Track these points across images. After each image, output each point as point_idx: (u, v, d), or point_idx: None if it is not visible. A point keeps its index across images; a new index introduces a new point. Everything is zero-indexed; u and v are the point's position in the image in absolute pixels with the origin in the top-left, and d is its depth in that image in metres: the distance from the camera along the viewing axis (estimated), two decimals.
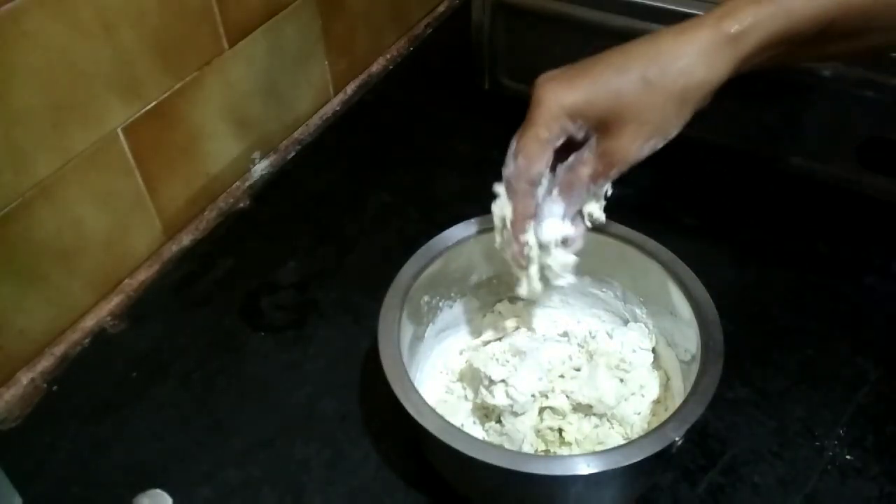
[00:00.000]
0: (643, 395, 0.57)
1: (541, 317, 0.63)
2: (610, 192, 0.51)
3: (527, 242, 0.51)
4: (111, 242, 0.70)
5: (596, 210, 0.52)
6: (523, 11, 0.81)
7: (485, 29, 0.85)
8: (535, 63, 0.85)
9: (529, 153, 0.48)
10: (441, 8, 1.08)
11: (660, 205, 0.76)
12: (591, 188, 0.50)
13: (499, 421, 0.56)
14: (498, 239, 0.54)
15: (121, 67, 0.65)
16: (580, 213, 0.52)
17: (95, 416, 0.62)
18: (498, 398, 0.55)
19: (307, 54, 0.86)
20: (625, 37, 0.80)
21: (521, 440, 0.54)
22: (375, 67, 0.98)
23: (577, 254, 0.53)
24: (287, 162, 0.86)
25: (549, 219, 0.51)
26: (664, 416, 0.57)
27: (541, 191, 0.51)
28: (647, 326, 0.60)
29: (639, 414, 0.57)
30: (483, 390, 0.56)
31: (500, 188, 0.52)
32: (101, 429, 0.62)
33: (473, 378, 0.58)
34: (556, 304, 0.63)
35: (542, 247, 0.52)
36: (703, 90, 0.45)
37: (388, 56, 0.99)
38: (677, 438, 0.46)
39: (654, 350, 0.60)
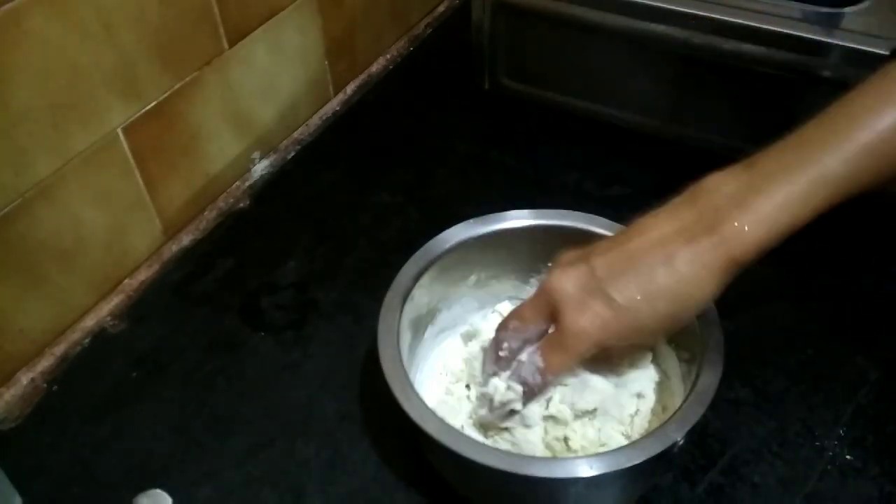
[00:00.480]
0: (642, 395, 0.57)
1: None
2: None
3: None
4: (111, 242, 0.70)
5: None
6: (523, 11, 0.81)
7: (485, 29, 0.85)
8: (535, 63, 0.86)
9: (562, 375, 0.53)
10: (441, 8, 1.08)
11: (660, 205, 0.76)
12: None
13: (505, 431, 0.56)
14: (482, 414, 0.55)
15: (121, 67, 0.65)
16: None
17: (95, 416, 0.62)
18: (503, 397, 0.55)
19: (307, 54, 0.86)
20: (625, 37, 0.80)
21: (532, 452, 0.54)
22: (375, 67, 0.98)
23: None
24: (287, 162, 0.86)
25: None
26: (664, 415, 0.57)
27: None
28: None
29: (638, 412, 0.57)
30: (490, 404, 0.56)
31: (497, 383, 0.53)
32: (101, 429, 0.62)
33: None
34: None
35: None
36: (710, 299, 0.49)
37: (388, 56, 0.99)
38: (679, 439, 0.46)
39: (652, 349, 0.60)
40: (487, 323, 0.63)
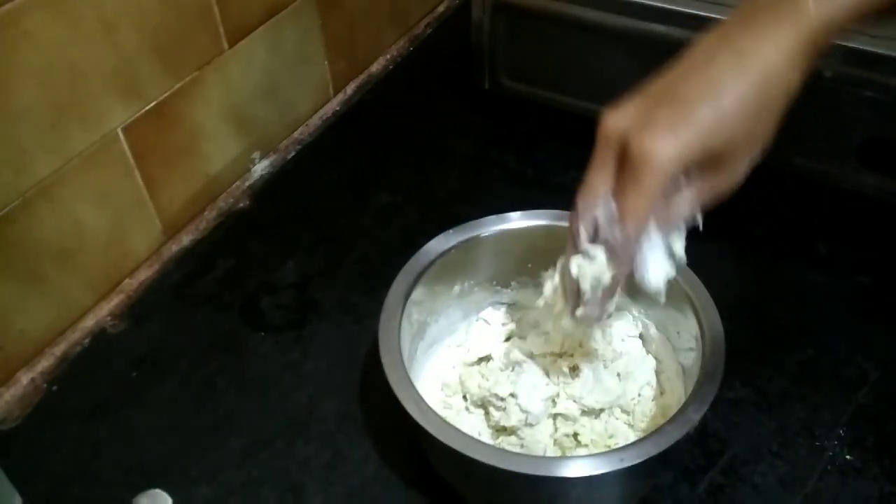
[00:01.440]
0: (637, 381, 0.57)
1: (523, 321, 0.63)
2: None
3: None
4: (111, 242, 0.70)
5: (678, 244, 0.48)
6: (523, 11, 0.81)
7: (485, 29, 0.85)
8: (535, 63, 0.86)
9: (643, 219, 0.43)
10: (441, 8, 1.08)
11: None
12: (688, 221, 0.46)
13: (513, 434, 0.56)
14: (580, 310, 0.49)
15: (121, 67, 0.65)
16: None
17: (95, 416, 0.62)
18: (513, 416, 0.55)
19: (307, 54, 0.86)
20: (625, 37, 0.80)
21: (543, 451, 0.55)
22: (375, 67, 0.98)
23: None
24: (287, 162, 0.86)
25: (653, 263, 0.46)
26: (661, 399, 0.57)
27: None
28: (630, 313, 0.60)
29: (641, 398, 0.57)
30: (495, 412, 0.56)
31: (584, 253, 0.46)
32: (101, 429, 0.62)
33: (480, 398, 0.58)
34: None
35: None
36: (795, 92, 0.42)
37: (388, 56, 0.99)
38: (681, 437, 0.46)
39: (641, 336, 0.60)
40: (474, 330, 0.63)
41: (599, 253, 0.46)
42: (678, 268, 0.48)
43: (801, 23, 0.41)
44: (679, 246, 0.47)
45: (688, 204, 0.44)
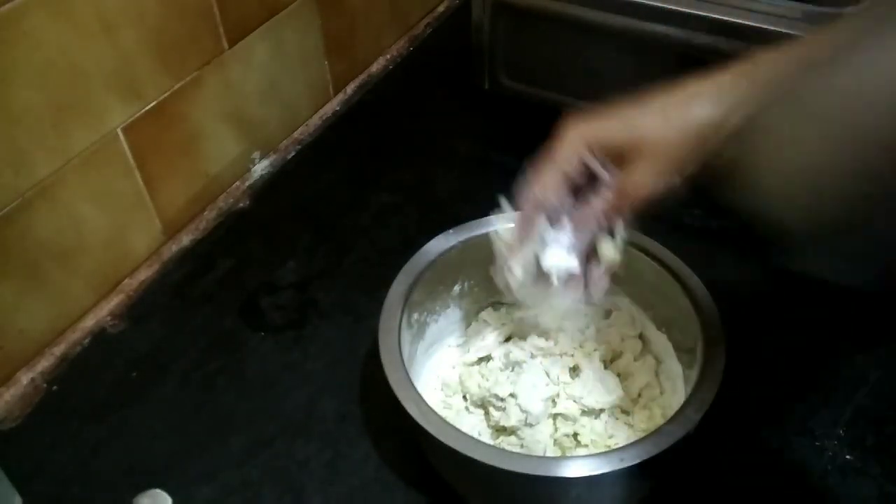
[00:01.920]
0: (637, 381, 0.58)
1: (524, 321, 0.63)
2: (624, 236, 0.50)
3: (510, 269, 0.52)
4: (111, 242, 0.70)
5: (610, 250, 0.50)
6: (523, 11, 0.81)
7: (485, 29, 0.85)
8: (535, 63, 0.86)
9: (544, 181, 0.49)
10: (441, 8, 1.08)
11: (659, 205, 0.76)
12: (602, 223, 0.49)
13: (513, 434, 0.56)
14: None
15: (121, 67, 0.65)
16: (596, 256, 0.51)
17: (95, 416, 0.62)
18: (513, 416, 0.55)
19: (307, 54, 0.86)
20: (624, 37, 0.80)
21: (543, 451, 0.55)
22: (375, 67, 0.98)
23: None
24: (287, 162, 0.86)
25: (553, 246, 0.50)
26: (661, 399, 0.58)
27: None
28: (630, 314, 0.60)
29: (640, 396, 0.57)
30: (495, 412, 0.56)
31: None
32: (101, 429, 0.62)
33: (480, 398, 0.58)
34: None
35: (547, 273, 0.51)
36: (720, 130, 0.44)
37: (388, 56, 0.99)
38: (681, 437, 0.46)
39: (640, 336, 0.60)
40: (473, 330, 0.63)
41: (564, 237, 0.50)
42: (574, 266, 0.51)
43: (743, 74, 0.44)
44: (609, 247, 0.50)
45: (600, 202, 0.48)
